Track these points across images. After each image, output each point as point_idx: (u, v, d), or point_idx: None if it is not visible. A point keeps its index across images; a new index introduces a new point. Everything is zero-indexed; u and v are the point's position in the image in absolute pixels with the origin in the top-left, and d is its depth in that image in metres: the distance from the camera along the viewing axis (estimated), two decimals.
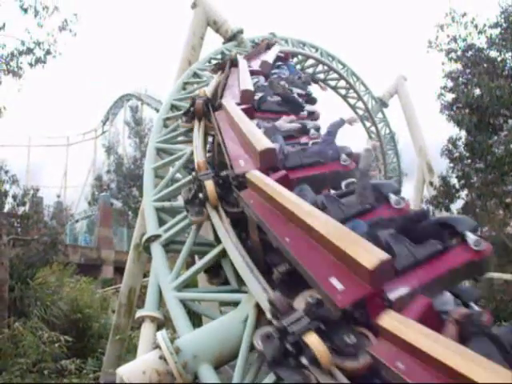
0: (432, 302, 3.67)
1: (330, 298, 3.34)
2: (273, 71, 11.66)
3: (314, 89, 12.48)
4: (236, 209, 5.22)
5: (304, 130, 8.02)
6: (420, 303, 3.63)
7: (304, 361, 3.22)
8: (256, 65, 11.58)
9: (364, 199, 5.31)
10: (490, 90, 12.37)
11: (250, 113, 7.59)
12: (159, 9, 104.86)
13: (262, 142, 5.77)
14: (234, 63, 10.84)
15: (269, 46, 14.11)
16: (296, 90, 10.09)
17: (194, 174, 6.10)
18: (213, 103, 8.15)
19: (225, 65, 10.92)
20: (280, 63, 12.68)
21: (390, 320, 3.21)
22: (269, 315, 3.68)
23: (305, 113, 9.10)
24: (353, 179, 6.05)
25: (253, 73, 10.53)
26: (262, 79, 10.53)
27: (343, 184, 6.21)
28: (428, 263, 4.16)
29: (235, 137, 6.55)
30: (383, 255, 3.30)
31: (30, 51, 13.19)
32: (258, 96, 9.01)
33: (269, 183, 4.78)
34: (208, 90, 9.04)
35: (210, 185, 5.43)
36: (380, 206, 5.19)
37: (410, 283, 3.92)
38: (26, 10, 13.08)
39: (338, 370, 3.20)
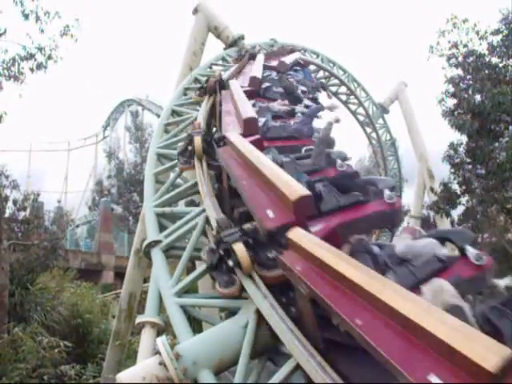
0: (335, 228, 4.66)
1: (261, 222, 4.27)
2: (288, 72, 12.20)
3: (322, 96, 12.91)
4: (216, 162, 6.35)
5: (292, 113, 9.01)
6: (326, 226, 4.65)
7: (230, 263, 4.11)
8: (274, 63, 12.34)
9: (317, 162, 6.58)
10: (493, 96, 12.39)
11: (252, 95, 8.86)
12: (161, 14, 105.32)
13: (248, 112, 6.97)
14: (254, 57, 12.15)
15: (292, 51, 14.84)
16: (301, 88, 10.65)
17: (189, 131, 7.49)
18: (224, 84, 9.30)
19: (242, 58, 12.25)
20: (298, 68, 13.14)
21: (295, 233, 3.92)
22: (214, 232, 4.72)
23: (302, 105, 9.72)
24: (312, 147, 7.15)
25: (268, 68, 11.52)
26: (274, 74, 11.21)
27: (303, 149, 7.35)
28: (349, 209, 5.14)
29: (231, 109, 7.83)
30: (304, 191, 4.15)
31: (31, 56, 13.20)
32: (265, 85, 9.97)
33: (241, 141, 5.76)
34: (225, 74, 10.30)
35: (198, 140, 6.62)
36: (327, 169, 6.32)
37: (330, 222, 4.88)
38: (27, 16, 13.09)
39: (257, 275, 4.05)
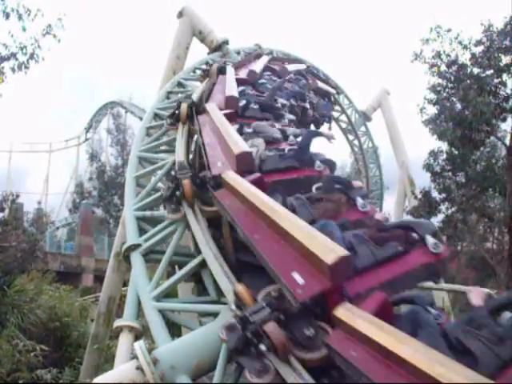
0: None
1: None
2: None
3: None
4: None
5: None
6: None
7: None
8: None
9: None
10: (476, 105, 12.52)
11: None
12: (146, 17, 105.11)
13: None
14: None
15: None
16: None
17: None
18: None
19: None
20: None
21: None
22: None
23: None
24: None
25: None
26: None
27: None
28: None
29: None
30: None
31: (13, 56, 13.03)
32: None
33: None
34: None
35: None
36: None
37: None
38: (7, 16, 12.91)
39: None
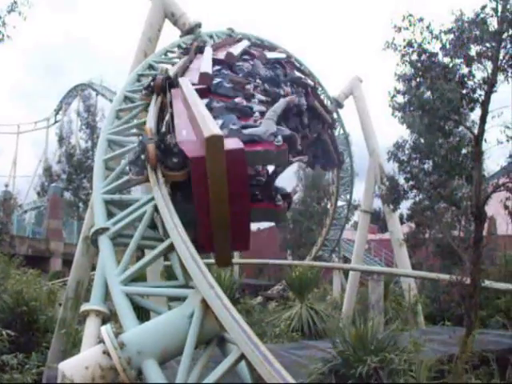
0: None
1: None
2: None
3: None
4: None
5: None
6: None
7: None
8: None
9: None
10: (443, 92, 12.60)
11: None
12: None
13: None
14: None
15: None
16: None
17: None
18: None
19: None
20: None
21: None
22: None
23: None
24: None
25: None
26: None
27: None
28: None
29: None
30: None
31: None
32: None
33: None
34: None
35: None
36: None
37: None
38: None
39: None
